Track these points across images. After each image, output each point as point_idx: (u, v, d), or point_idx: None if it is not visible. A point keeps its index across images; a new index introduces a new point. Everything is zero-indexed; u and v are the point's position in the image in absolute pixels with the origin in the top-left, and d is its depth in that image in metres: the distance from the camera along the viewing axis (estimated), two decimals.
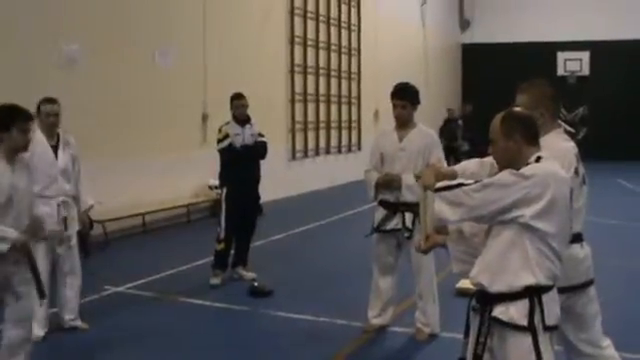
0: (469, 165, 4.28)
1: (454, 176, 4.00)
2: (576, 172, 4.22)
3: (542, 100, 4.34)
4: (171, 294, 8.23)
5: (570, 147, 4.31)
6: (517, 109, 3.81)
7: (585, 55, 28.10)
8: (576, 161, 4.25)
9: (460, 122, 20.81)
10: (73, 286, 6.91)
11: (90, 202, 7.06)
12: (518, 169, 3.52)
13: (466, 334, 3.79)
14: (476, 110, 26.66)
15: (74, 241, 6.93)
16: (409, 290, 6.89)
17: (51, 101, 6.74)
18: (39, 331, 6.65)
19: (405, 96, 6.55)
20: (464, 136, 20.75)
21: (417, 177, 3.95)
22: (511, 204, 3.45)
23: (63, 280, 6.87)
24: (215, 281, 8.65)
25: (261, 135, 8.81)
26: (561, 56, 28.23)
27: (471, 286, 3.76)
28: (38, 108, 6.71)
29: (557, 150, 4.11)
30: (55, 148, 6.73)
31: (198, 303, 7.97)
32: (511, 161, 3.61)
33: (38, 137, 6.66)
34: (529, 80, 4.50)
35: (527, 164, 3.56)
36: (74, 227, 6.90)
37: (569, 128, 24.95)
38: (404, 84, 6.67)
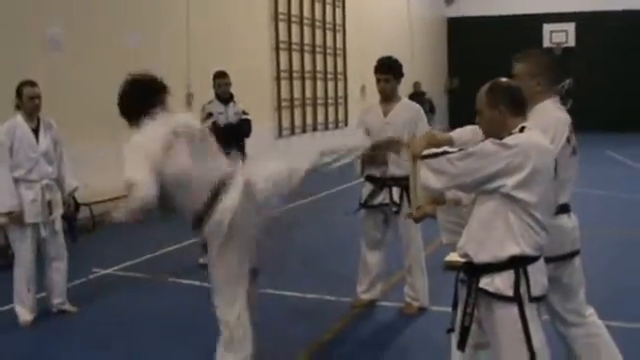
0: (464, 132, 4.26)
1: (450, 142, 3.99)
2: (568, 141, 4.21)
3: (539, 69, 4.35)
4: (160, 275, 8.20)
5: (563, 117, 4.31)
6: (503, 79, 3.79)
7: (571, 26, 28.11)
8: (568, 131, 4.25)
9: (427, 96, 20.65)
10: (60, 270, 6.87)
11: (74, 184, 7.01)
12: (501, 139, 3.51)
13: (454, 306, 3.80)
14: (462, 83, 26.75)
15: (59, 225, 6.89)
16: (398, 265, 6.89)
17: (32, 84, 6.67)
18: (27, 316, 6.64)
19: (388, 70, 6.52)
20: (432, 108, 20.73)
21: (406, 146, 3.96)
22: (493, 174, 3.45)
23: (50, 264, 6.83)
24: (204, 260, 8.60)
25: (245, 113, 8.76)
26: (547, 28, 28.24)
27: (460, 259, 3.75)
28: (18, 91, 6.64)
29: (550, 118, 4.13)
30: (36, 131, 6.67)
31: (187, 283, 7.95)
32: (496, 131, 3.60)
33: (18, 121, 6.62)
34: (526, 49, 4.51)
35: (510, 134, 3.55)
36: (58, 210, 6.85)
37: None
38: (387, 58, 6.64)
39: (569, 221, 4.31)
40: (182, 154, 4.41)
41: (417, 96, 20.24)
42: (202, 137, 4.59)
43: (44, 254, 6.83)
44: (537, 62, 4.38)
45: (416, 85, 20.86)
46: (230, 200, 4.39)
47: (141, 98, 4.56)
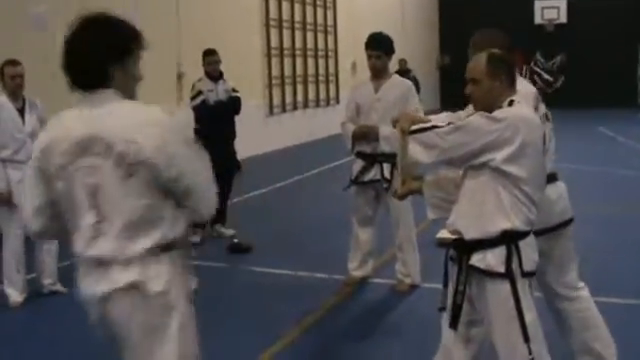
0: (440, 117, 4.24)
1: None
2: (536, 111, 4.20)
3: (488, 46, 4.31)
4: None
5: (528, 88, 4.31)
6: (499, 51, 3.76)
7: (562, 3, 28.01)
8: (534, 102, 4.22)
9: (412, 74, 20.49)
10: (50, 251, 6.83)
11: None
12: (491, 111, 3.48)
13: (445, 284, 3.77)
14: (454, 60, 26.71)
15: None
16: (389, 242, 6.88)
17: (14, 63, 6.61)
18: (17, 297, 6.61)
19: (379, 46, 6.47)
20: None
21: (394, 121, 3.91)
22: (482, 147, 3.41)
23: (40, 245, 6.79)
24: (194, 239, 8.60)
25: (235, 90, 8.72)
26: (538, 4, 28.13)
27: (451, 236, 3.72)
28: (1, 71, 6.59)
29: (521, 92, 4.11)
30: (21, 111, 6.62)
31: None
32: (492, 102, 3.56)
33: (2, 101, 6.57)
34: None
35: (500, 107, 3.52)
36: None
37: (547, 76, 25.09)
38: (377, 34, 6.59)
39: (554, 191, 4.25)
40: None
41: (402, 74, 19.90)
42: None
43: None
44: (474, 42, 4.35)
45: (401, 62, 20.36)
46: None
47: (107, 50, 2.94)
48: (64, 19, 10.08)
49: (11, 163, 6.54)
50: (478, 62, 3.61)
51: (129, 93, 2.96)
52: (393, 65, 19.65)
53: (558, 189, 4.32)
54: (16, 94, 6.60)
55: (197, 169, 2.97)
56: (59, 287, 6.90)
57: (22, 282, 6.68)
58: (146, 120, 2.84)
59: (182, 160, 2.87)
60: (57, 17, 10.72)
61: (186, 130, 2.99)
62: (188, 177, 2.90)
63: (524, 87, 4.26)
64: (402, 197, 4.17)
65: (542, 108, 4.31)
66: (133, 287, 2.80)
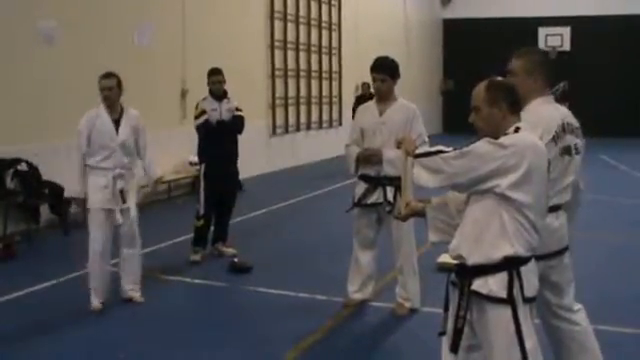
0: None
1: None
2: (554, 140, 4.20)
3: (537, 66, 4.40)
4: (151, 271, 8.14)
5: (555, 115, 4.32)
6: (500, 79, 3.79)
7: (566, 30, 28.17)
8: (558, 130, 4.25)
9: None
10: (134, 257, 7.08)
11: (159, 173, 7.24)
12: (497, 138, 3.50)
13: (446, 308, 3.77)
14: (457, 85, 26.83)
15: (134, 213, 7.03)
16: (390, 265, 6.88)
17: (106, 75, 6.94)
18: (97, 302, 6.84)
19: (384, 70, 6.49)
20: None
21: (399, 143, 3.93)
22: (488, 173, 3.44)
23: (122, 252, 7.08)
24: (195, 258, 8.61)
25: (239, 110, 8.73)
26: (542, 31, 28.27)
27: (452, 261, 3.73)
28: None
29: (539, 116, 4.12)
30: (117, 121, 6.88)
31: (178, 280, 7.93)
32: (493, 129, 3.59)
33: (100, 111, 6.89)
34: (526, 47, 4.57)
35: (505, 134, 3.54)
36: (132, 199, 7.02)
37: None
38: (383, 58, 6.62)
39: (556, 220, 4.30)
40: None
41: (366, 99, 19.14)
42: None
43: (118, 241, 7.06)
44: (534, 60, 4.44)
45: (364, 86, 19.06)
46: None
47: None
48: (72, 33, 10.21)
49: (97, 169, 6.83)
50: (478, 90, 3.65)
51: None
52: (354, 89, 19.71)
53: (560, 219, 4.35)
54: (109, 105, 6.89)
55: None
56: (137, 295, 7.11)
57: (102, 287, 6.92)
58: None
59: None
60: (65, 32, 10.81)
61: None
62: None
63: (552, 114, 4.28)
64: (405, 219, 4.17)
65: (568, 139, 4.33)
66: None
